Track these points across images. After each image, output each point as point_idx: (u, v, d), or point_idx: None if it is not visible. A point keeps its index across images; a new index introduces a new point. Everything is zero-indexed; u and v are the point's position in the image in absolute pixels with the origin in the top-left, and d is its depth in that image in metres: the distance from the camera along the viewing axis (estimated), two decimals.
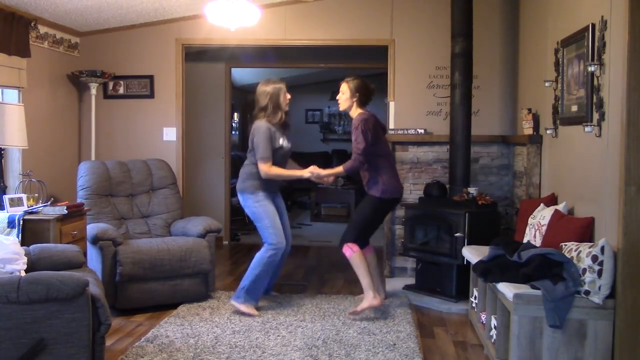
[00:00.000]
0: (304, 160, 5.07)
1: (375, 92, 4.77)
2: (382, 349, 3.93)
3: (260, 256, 4.69)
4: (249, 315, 4.58)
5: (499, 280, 3.55)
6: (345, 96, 4.72)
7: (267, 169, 4.64)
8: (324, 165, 5.18)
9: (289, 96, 4.80)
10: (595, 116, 3.56)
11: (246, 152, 4.87)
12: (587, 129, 3.54)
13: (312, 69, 9.51)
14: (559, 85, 4.28)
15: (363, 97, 4.70)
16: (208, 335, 4.14)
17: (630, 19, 3.10)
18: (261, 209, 4.68)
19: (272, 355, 3.80)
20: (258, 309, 4.71)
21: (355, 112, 4.69)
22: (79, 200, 5.00)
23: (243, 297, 4.66)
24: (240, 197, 4.78)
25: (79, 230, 4.54)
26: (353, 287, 5.56)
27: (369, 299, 4.60)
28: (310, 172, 4.74)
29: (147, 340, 4.01)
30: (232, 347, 3.91)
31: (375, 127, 4.63)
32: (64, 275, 3.05)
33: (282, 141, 4.75)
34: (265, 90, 4.74)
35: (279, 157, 4.72)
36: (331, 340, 4.10)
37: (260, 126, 4.66)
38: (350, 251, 4.64)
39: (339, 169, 4.71)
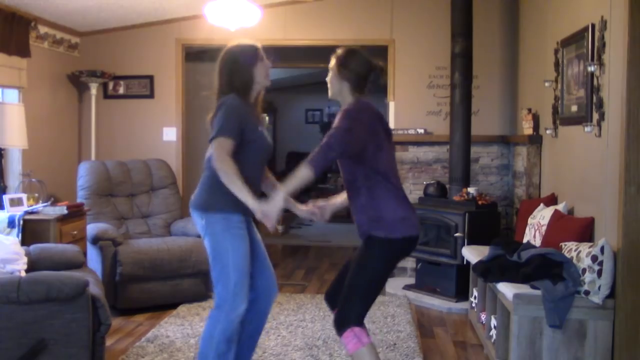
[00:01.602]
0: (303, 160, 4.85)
1: (382, 70, 3.03)
2: (383, 349, 3.93)
3: (208, 332, 2.98)
4: None
5: (499, 280, 3.55)
6: (330, 74, 3.00)
7: (225, 155, 2.86)
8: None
9: (268, 63, 3.13)
10: (595, 116, 3.56)
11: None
12: (587, 129, 3.54)
13: (312, 69, 9.50)
14: (559, 85, 4.29)
15: (354, 76, 2.92)
16: None
17: (630, 19, 3.10)
18: (232, 245, 2.92)
19: (272, 355, 3.81)
20: None
21: (348, 101, 2.94)
22: (79, 200, 5.00)
23: None
24: (198, 218, 2.99)
25: (79, 230, 4.54)
26: None
27: None
28: (262, 212, 2.73)
29: (147, 340, 4.01)
30: None
31: (375, 124, 2.85)
32: (64, 275, 3.06)
33: (262, 129, 3.10)
34: (232, 56, 3.07)
35: (256, 153, 3.03)
36: (332, 340, 4.10)
37: (228, 98, 3.01)
38: (357, 342, 2.79)
39: (335, 201, 3.05)
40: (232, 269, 2.91)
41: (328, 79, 3.01)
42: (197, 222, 3.01)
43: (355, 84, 2.92)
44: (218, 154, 2.86)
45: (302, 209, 3.05)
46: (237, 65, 3.03)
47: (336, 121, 2.82)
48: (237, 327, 2.99)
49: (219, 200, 2.91)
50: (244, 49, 3.07)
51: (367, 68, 2.95)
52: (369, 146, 2.78)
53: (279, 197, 2.71)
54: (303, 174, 2.69)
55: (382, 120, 2.92)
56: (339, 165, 2.92)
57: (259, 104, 3.16)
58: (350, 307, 2.82)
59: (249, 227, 3.06)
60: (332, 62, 2.99)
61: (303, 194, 11.06)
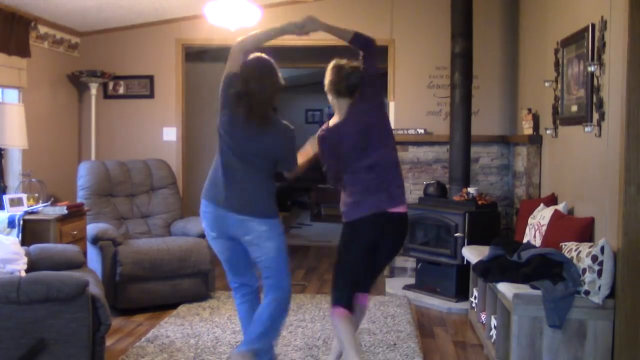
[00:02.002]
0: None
1: (336, 72, 3.22)
2: (383, 349, 3.93)
3: (277, 313, 3.31)
4: None
5: (499, 280, 3.55)
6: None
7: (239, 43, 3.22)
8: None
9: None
10: (595, 116, 3.56)
11: (256, 159, 3.19)
12: (587, 129, 3.54)
13: (312, 69, 9.50)
14: (559, 85, 4.29)
15: (328, 85, 3.25)
16: (208, 335, 4.14)
17: (630, 19, 3.10)
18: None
19: None
20: None
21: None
22: (79, 200, 5.00)
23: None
24: (258, 224, 3.19)
25: (79, 230, 4.54)
26: None
27: None
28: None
29: (147, 340, 4.01)
30: (233, 347, 3.91)
31: (328, 147, 3.25)
32: (64, 275, 3.06)
33: None
34: (277, 75, 3.25)
35: None
36: (331, 340, 4.09)
37: (291, 129, 3.28)
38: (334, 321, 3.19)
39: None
40: (288, 263, 3.35)
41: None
42: (254, 228, 3.20)
43: (333, 93, 3.22)
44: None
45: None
46: (280, 83, 3.26)
47: None
48: None
49: (276, 207, 3.30)
50: (276, 70, 3.29)
51: (334, 72, 3.23)
52: (331, 163, 3.26)
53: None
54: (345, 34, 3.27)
55: (336, 139, 3.20)
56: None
57: None
58: (335, 288, 3.24)
59: None
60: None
61: (304, 193, 11.07)
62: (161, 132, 6.23)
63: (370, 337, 4.17)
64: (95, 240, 4.62)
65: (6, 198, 4.31)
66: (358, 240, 3.20)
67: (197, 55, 7.23)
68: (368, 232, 3.18)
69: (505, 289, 3.42)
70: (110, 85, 6.21)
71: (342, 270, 3.22)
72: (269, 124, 3.17)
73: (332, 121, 3.25)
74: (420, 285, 5.32)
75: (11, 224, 4.13)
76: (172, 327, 4.29)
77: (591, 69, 3.53)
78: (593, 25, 3.62)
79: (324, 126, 3.28)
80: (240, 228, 3.19)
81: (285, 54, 7.53)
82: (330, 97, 3.24)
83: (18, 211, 4.23)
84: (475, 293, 4.45)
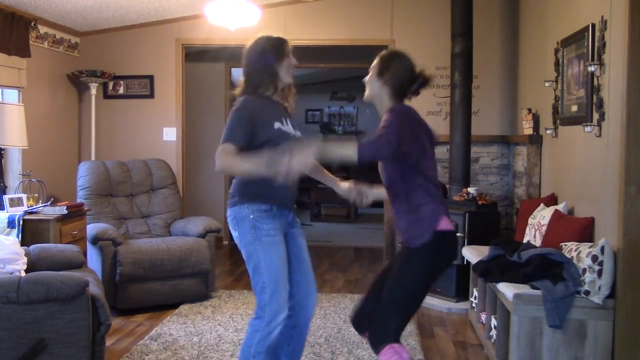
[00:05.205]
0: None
1: (428, 80, 2.82)
2: None
3: (247, 342, 2.89)
4: None
5: (499, 280, 3.55)
6: (371, 75, 2.76)
7: (225, 155, 2.63)
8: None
9: (293, 61, 2.93)
10: (595, 116, 3.56)
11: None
12: (587, 129, 3.54)
13: (312, 69, 9.50)
14: (559, 85, 4.29)
15: (396, 82, 2.70)
16: (211, 334, 4.15)
17: (630, 19, 3.10)
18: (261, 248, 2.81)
19: None
20: None
21: (387, 106, 2.69)
22: (79, 200, 5.00)
23: None
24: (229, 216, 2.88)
25: (79, 230, 4.54)
26: (353, 287, 5.56)
27: None
28: (350, 188, 2.90)
29: (151, 338, 4.02)
30: (236, 345, 3.92)
31: (418, 125, 2.66)
32: (64, 275, 3.06)
33: (282, 124, 2.83)
34: (255, 50, 2.87)
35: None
36: (333, 338, 4.10)
37: (237, 102, 2.83)
38: (397, 357, 2.61)
39: (378, 190, 2.84)
40: (261, 281, 2.85)
41: (367, 79, 2.78)
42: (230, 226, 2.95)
43: (396, 90, 2.71)
44: (220, 157, 2.65)
45: (343, 187, 2.92)
46: (263, 61, 2.84)
47: (383, 121, 2.57)
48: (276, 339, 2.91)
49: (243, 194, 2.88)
50: (271, 44, 2.87)
51: (411, 75, 2.76)
52: (412, 152, 2.57)
53: (310, 151, 2.43)
54: (348, 153, 2.45)
55: (424, 125, 2.71)
56: (380, 170, 2.75)
57: (287, 99, 2.97)
58: (387, 325, 2.66)
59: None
60: (375, 62, 2.78)
61: (304, 193, 11.05)
62: (161, 132, 6.23)
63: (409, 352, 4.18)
64: (95, 240, 4.62)
65: (6, 198, 4.31)
66: (444, 267, 2.77)
67: (197, 55, 7.22)
68: (453, 254, 2.77)
69: (505, 289, 3.42)
70: (110, 85, 6.22)
71: (417, 303, 2.72)
72: None
73: (407, 107, 2.74)
74: None
75: (11, 224, 4.13)
76: (174, 326, 4.30)
77: (591, 69, 3.53)
78: (593, 25, 3.62)
79: (410, 109, 2.71)
80: None
81: None
82: (401, 95, 2.75)
83: (18, 211, 4.24)
84: (475, 293, 4.45)
